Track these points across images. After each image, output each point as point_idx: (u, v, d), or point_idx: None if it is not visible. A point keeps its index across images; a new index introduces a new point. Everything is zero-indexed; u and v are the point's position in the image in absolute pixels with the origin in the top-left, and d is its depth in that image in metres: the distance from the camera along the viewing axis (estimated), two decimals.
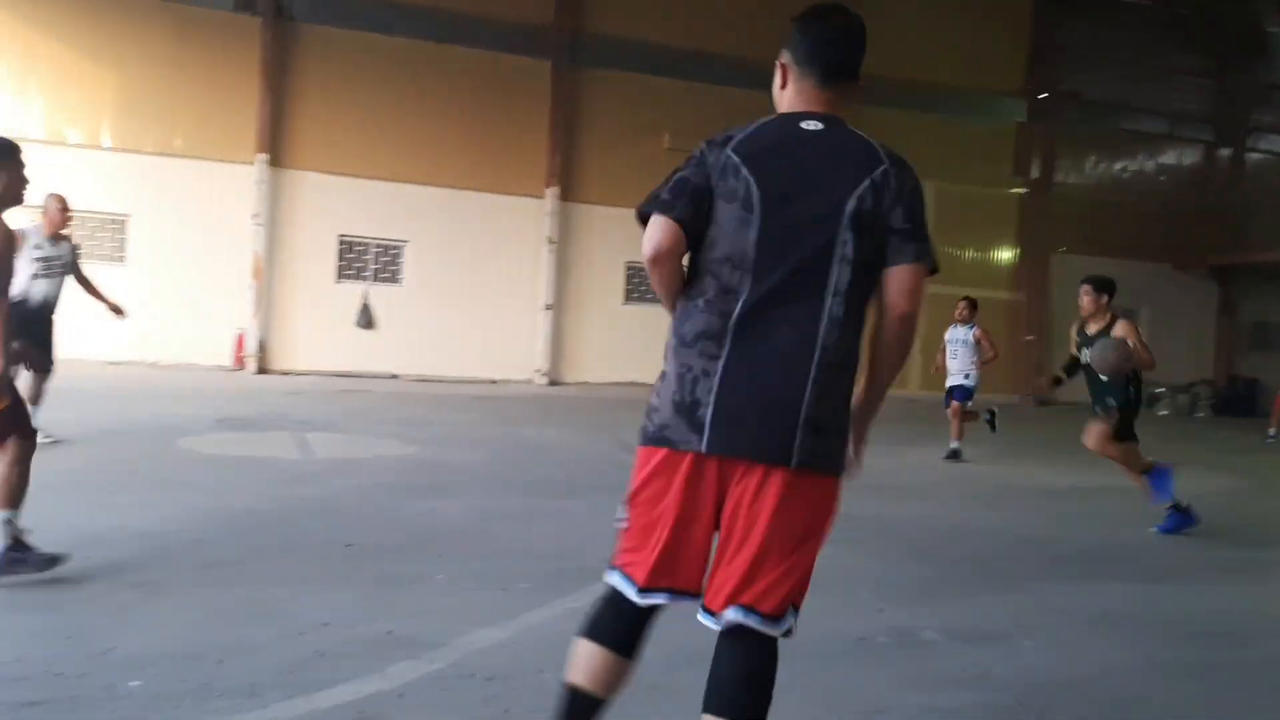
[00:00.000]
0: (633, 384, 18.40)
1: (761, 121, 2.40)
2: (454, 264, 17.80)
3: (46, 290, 7.44)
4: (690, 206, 2.31)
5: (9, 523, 4.21)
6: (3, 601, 3.94)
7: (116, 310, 8.08)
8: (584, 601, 4.39)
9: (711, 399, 2.25)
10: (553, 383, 18.09)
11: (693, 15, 18.74)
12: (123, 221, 16.11)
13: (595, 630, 2.40)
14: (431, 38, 17.39)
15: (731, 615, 2.26)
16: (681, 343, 2.33)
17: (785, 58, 2.49)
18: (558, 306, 18.30)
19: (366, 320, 17.36)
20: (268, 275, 16.71)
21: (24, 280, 7.27)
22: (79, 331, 15.46)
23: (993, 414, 10.98)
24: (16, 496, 4.26)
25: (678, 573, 2.33)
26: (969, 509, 7.57)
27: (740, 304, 2.27)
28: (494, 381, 17.67)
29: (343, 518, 5.88)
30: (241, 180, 16.45)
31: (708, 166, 2.34)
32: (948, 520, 7.01)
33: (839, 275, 2.27)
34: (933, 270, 2.35)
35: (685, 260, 2.39)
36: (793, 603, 2.31)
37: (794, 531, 2.28)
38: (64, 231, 7.66)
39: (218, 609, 4.01)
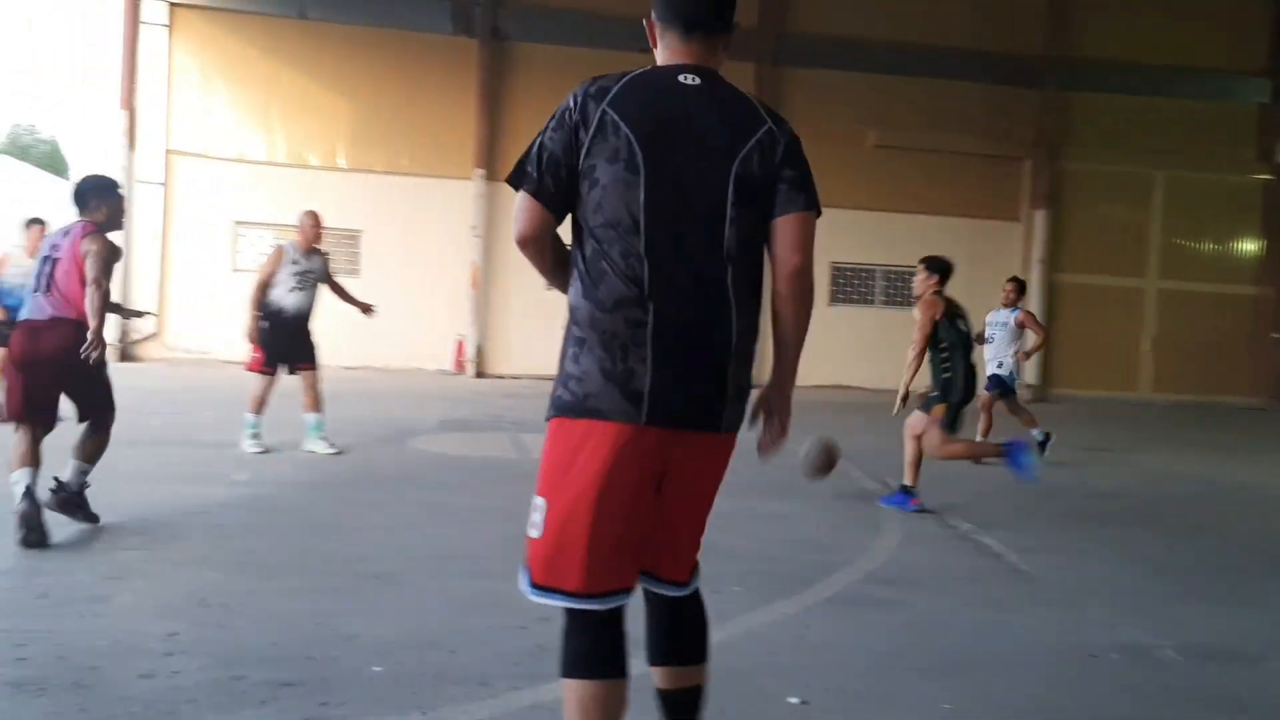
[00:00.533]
0: (839, 386, 18.14)
1: (638, 72, 2.29)
2: None
3: (299, 301, 7.98)
4: (552, 179, 2.22)
5: (84, 473, 5.22)
6: (259, 588, 4.31)
7: (366, 309, 8.44)
8: (801, 607, 4.42)
9: (648, 367, 2.15)
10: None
11: (895, 8, 18.31)
12: (356, 236, 17.27)
13: (586, 667, 2.23)
14: (636, 49, 17.69)
15: (693, 582, 2.40)
16: (599, 308, 2.19)
17: (652, 15, 2.40)
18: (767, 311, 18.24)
19: None
20: (485, 284, 17.51)
21: (281, 292, 7.90)
22: (320, 340, 16.45)
23: (1045, 438, 9.40)
24: (95, 456, 5.27)
25: (627, 562, 2.25)
26: (1211, 518, 7.05)
27: (647, 270, 2.17)
28: None
29: None
30: (461, 194, 17.31)
31: (576, 124, 2.21)
32: (1184, 530, 6.56)
33: (733, 237, 2.23)
34: (818, 213, 2.33)
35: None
36: None
37: (715, 491, 2.38)
38: (316, 245, 8.22)
39: (451, 600, 4.25)
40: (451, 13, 17.35)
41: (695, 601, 2.42)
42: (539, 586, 2.22)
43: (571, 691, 2.22)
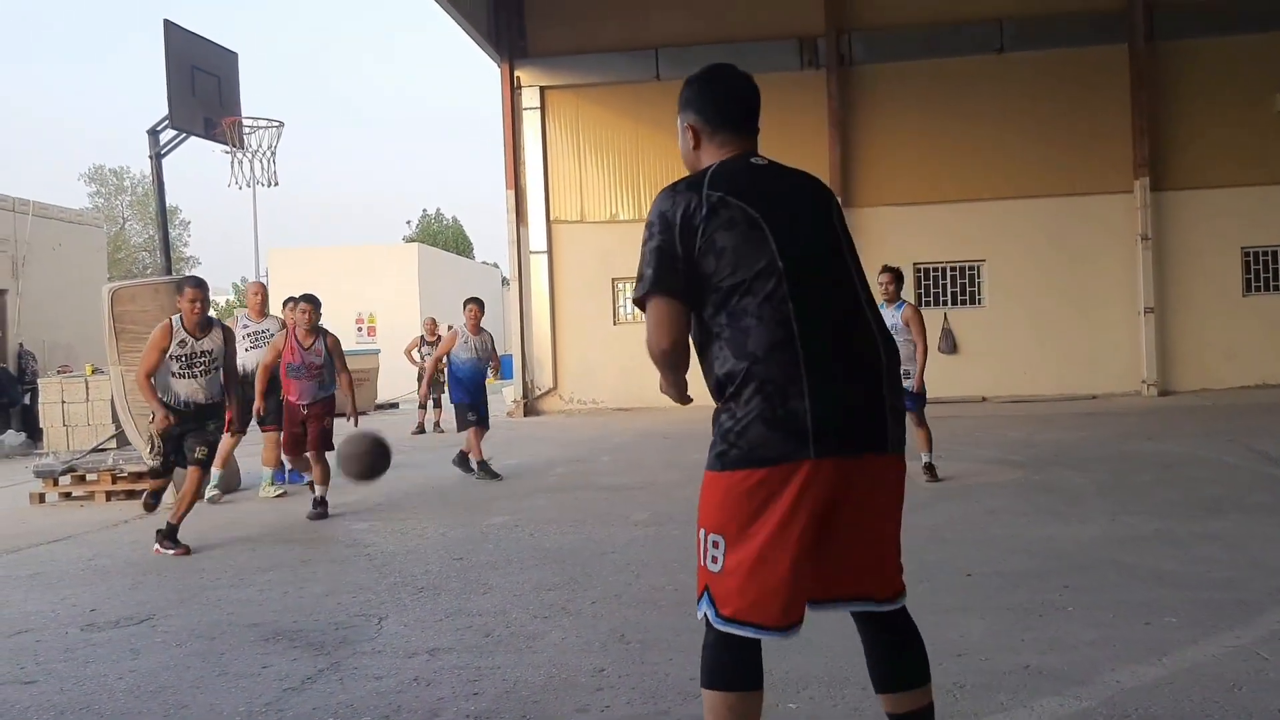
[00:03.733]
0: (1263, 386, 16.04)
1: (713, 166, 2.46)
2: (1037, 276, 16.98)
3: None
4: (677, 275, 2.35)
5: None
6: (670, 624, 4.49)
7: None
8: (1254, 638, 3.91)
9: (808, 404, 2.25)
10: (1163, 393, 16.39)
11: None
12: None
13: (735, 680, 2.36)
14: (993, 50, 16.95)
15: (900, 603, 2.48)
16: (753, 361, 2.29)
17: (692, 120, 2.58)
18: (1160, 309, 16.58)
19: (950, 345, 17.24)
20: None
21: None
22: None
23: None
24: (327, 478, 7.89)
25: (806, 592, 2.36)
26: None
27: (793, 308, 2.29)
28: (1094, 397, 16.48)
29: (959, 545, 5.85)
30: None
31: (682, 218, 2.34)
32: None
33: (855, 271, 2.46)
34: None
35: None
36: None
37: (899, 509, 2.48)
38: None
39: (857, 635, 4.18)
40: (798, 48, 17.54)
41: (907, 624, 2.52)
42: (728, 619, 2.33)
43: (718, 702, 2.36)
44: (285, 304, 10.01)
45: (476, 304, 9.95)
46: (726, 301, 2.34)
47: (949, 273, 17.50)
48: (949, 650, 3.91)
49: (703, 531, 2.39)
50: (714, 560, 2.35)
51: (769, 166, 2.51)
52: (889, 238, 17.27)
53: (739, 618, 2.31)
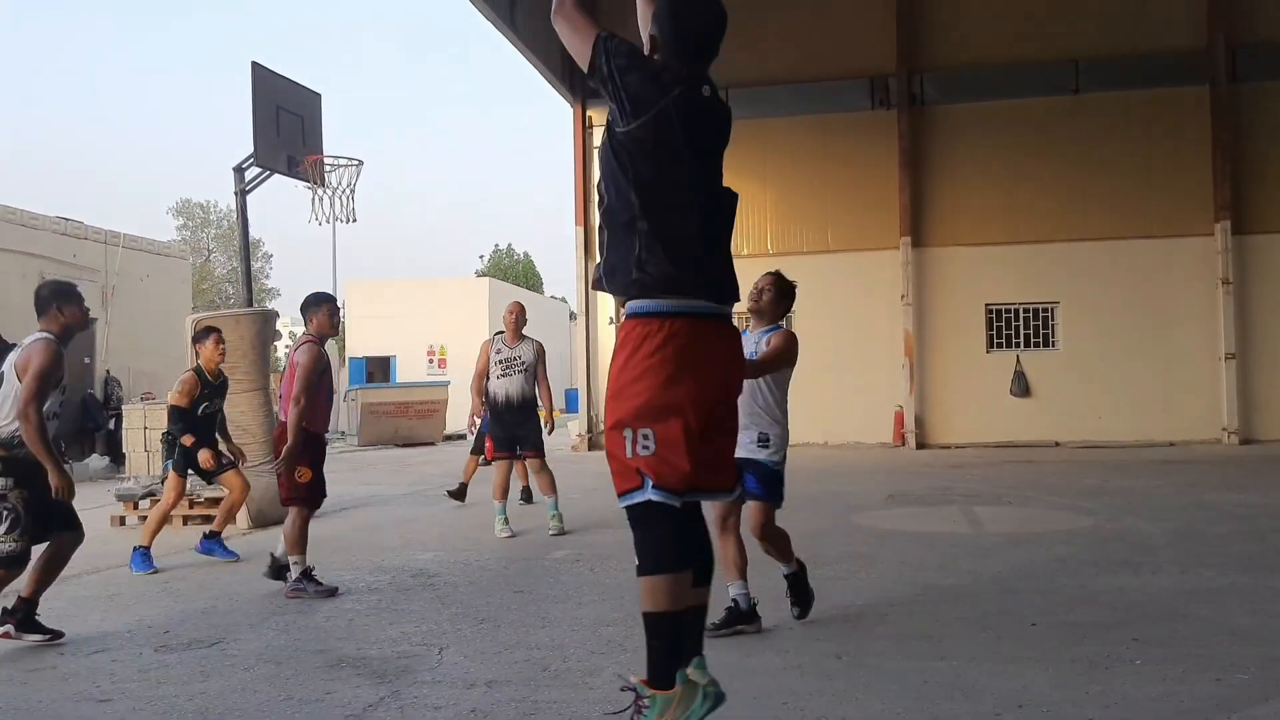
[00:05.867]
0: None
1: (683, 75, 2.94)
2: (1112, 319, 16.66)
3: (506, 387, 8.26)
4: (624, 59, 2.94)
5: (299, 564, 6.19)
6: (718, 663, 4.49)
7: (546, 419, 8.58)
8: None
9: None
10: (1245, 441, 15.89)
11: None
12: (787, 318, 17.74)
13: (676, 560, 2.87)
14: (1068, 91, 16.78)
15: None
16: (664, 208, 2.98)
17: (655, 32, 2.90)
18: (1242, 354, 16.13)
19: (1022, 388, 16.95)
20: (919, 352, 17.19)
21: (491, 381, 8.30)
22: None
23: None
24: (301, 546, 6.22)
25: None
26: None
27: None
28: (1172, 444, 16.04)
29: (1026, 594, 5.74)
30: (888, 265, 17.23)
31: (659, 76, 2.90)
32: None
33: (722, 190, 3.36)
34: None
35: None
36: None
37: None
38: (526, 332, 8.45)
39: (916, 682, 4.14)
40: (869, 88, 17.56)
41: None
42: (671, 490, 2.85)
43: (669, 584, 2.88)
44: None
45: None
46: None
47: (1022, 314, 17.25)
48: (1010, 700, 3.85)
49: (629, 431, 2.87)
50: (645, 448, 2.79)
51: (710, 99, 3.00)
52: (960, 278, 17.14)
53: (681, 486, 2.79)
